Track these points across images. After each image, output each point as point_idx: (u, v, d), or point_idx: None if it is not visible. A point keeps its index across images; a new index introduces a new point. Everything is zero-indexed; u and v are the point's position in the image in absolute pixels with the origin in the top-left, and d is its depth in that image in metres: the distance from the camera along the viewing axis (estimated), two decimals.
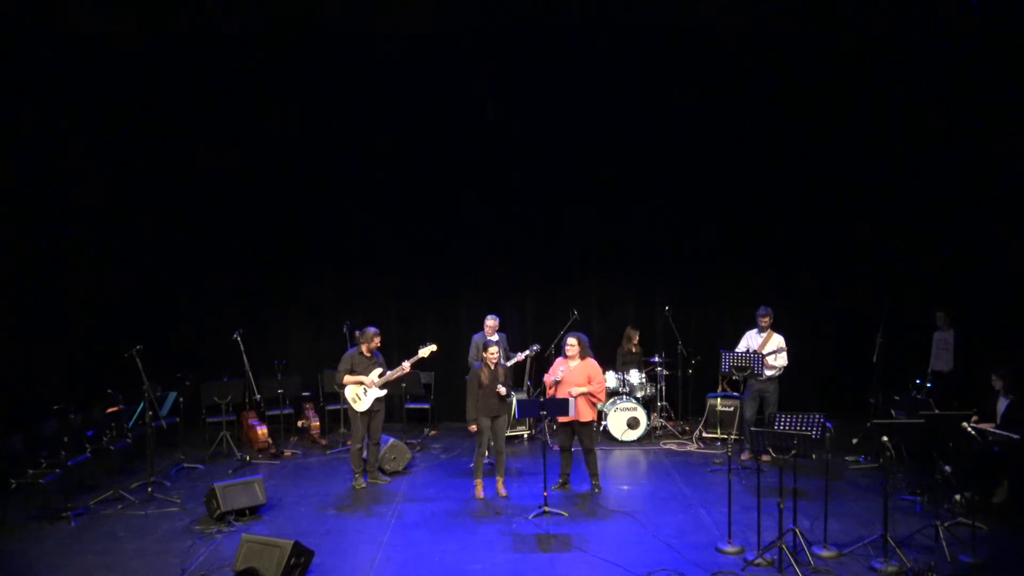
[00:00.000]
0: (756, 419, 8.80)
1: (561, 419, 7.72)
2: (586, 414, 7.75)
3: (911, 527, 6.73)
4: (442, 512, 7.51)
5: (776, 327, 8.99)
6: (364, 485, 8.20)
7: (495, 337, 9.17)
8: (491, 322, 9.27)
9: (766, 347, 8.85)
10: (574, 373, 7.78)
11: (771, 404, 8.80)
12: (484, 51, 10.20)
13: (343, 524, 7.26)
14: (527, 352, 9.10)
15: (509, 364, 8.44)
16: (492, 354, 7.79)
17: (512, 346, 9.57)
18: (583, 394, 7.69)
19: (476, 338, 9.44)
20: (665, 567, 6.18)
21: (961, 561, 6.18)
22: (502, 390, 7.71)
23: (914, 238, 10.32)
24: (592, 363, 7.86)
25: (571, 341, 7.84)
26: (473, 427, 7.88)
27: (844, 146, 10.42)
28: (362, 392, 8.10)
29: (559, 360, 7.96)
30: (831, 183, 10.61)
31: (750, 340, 9.05)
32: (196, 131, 10.34)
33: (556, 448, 8.33)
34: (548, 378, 7.87)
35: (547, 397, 7.75)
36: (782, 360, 8.83)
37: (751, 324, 9.13)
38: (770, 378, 8.81)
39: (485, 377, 7.74)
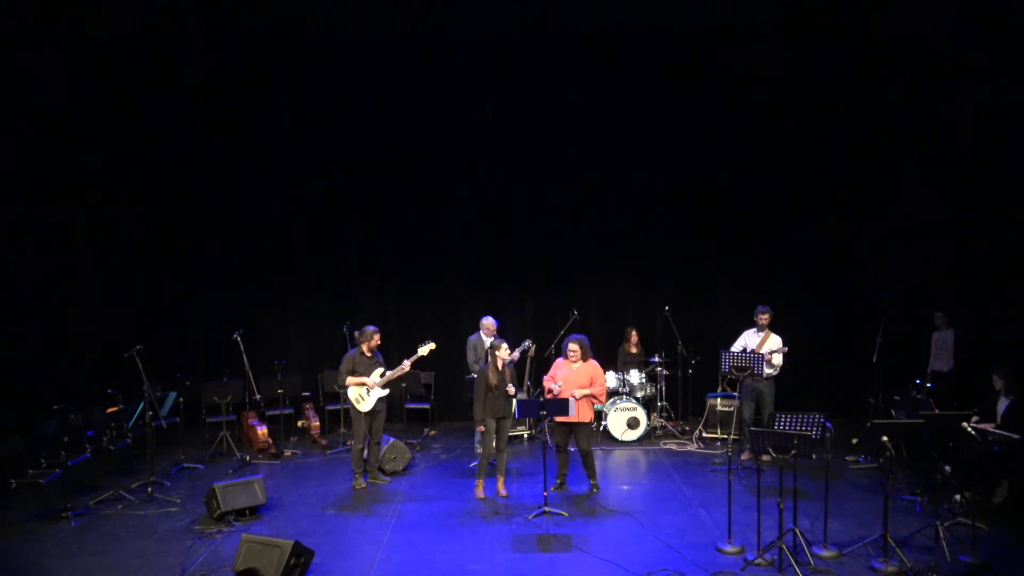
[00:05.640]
0: (755, 419, 8.80)
1: (560, 419, 7.71)
2: (585, 415, 7.76)
3: (911, 527, 6.73)
4: (442, 512, 7.51)
5: (776, 327, 8.98)
6: (364, 485, 8.21)
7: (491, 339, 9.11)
8: (488, 323, 9.22)
9: (764, 347, 8.85)
10: (577, 375, 7.77)
11: (768, 404, 8.80)
12: (484, 51, 10.20)
13: (343, 524, 7.26)
14: (521, 348, 9.07)
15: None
16: (505, 351, 7.77)
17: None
18: (586, 396, 7.69)
19: (472, 339, 9.41)
20: (665, 567, 6.18)
21: (961, 561, 6.18)
22: (511, 390, 7.69)
23: (914, 238, 10.32)
24: (594, 364, 7.86)
25: (572, 347, 7.82)
26: (481, 427, 7.87)
27: (844, 146, 10.42)
28: (365, 392, 8.10)
29: (560, 361, 7.96)
30: (831, 182, 10.60)
31: (748, 339, 9.05)
32: (196, 131, 10.33)
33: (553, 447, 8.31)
34: (548, 383, 7.85)
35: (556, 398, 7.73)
36: (777, 360, 8.83)
37: (751, 324, 9.12)
38: (767, 378, 8.81)
39: (493, 378, 7.73)
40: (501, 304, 10.87)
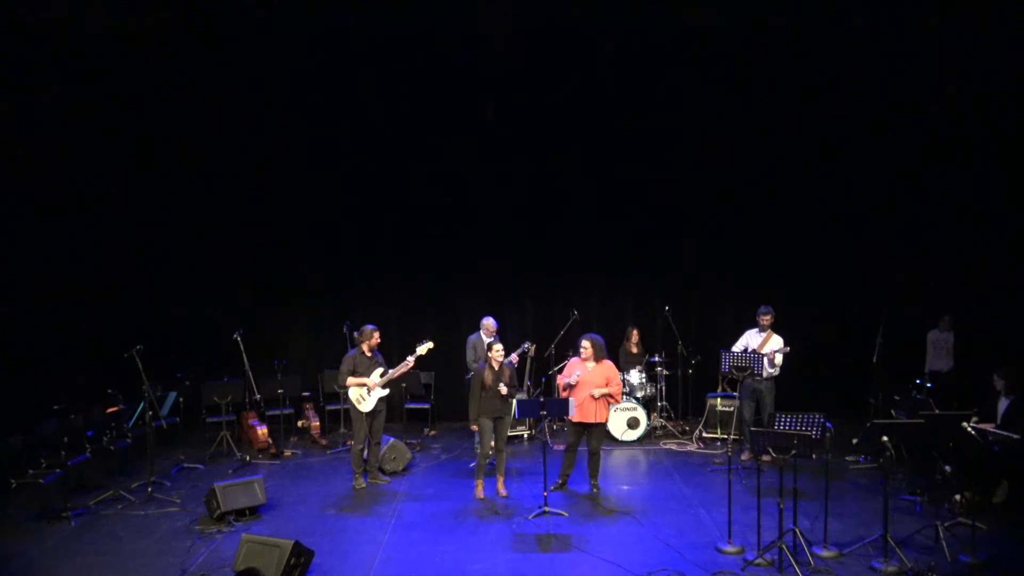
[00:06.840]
0: (755, 419, 8.80)
1: (576, 419, 7.68)
2: (602, 415, 7.76)
3: (911, 527, 6.73)
4: (442, 512, 7.51)
5: (777, 327, 8.98)
6: (364, 485, 8.21)
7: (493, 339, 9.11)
8: (488, 323, 9.21)
9: (765, 347, 8.85)
10: (593, 375, 7.76)
11: (768, 404, 8.79)
12: (483, 51, 10.19)
13: (343, 524, 7.26)
14: (520, 350, 9.06)
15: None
16: (498, 352, 7.77)
17: (506, 348, 9.45)
18: (604, 395, 7.70)
19: (472, 339, 9.40)
20: (665, 567, 6.18)
21: (961, 561, 6.19)
22: (503, 390, 7.70)
23: (914, 238, 10.32)
24: (610, 365, 7.86)
25: (585, 343, 7.82)
26: (475, 427, 7.87)
27: (844, 146, 10.41)
28: (366, 392, 8.10)
29: (574, 361, 7.95)
30: (831, 183, 10.60)
31: (749, 339, 9.04)
32: (196, 130, 10.31)
33: (558, 447, 8.31)
34: (563, 379, 7.84)
35: (557, 397, 7.71)
36: (778, 360, 8.83)
37: (751, 324, 9.12)
38: (767, 378, 8.81)
39: (488, 377, 7.73)
40: (501, 304, 10.85)
